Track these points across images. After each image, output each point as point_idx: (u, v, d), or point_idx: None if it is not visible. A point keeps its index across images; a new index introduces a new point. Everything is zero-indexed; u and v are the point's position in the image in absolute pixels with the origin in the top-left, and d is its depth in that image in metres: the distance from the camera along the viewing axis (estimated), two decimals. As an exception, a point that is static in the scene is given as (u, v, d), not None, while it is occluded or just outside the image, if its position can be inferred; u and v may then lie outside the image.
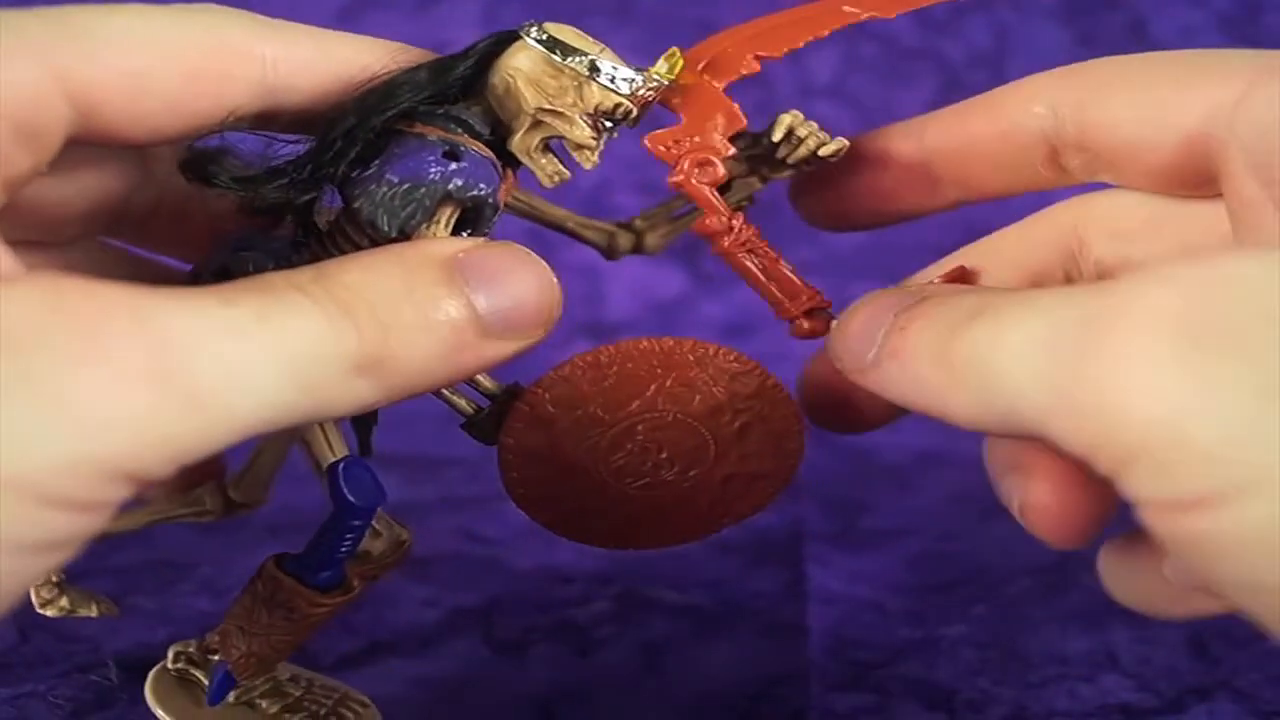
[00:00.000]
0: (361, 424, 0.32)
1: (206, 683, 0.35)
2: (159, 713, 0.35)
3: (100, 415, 0.21)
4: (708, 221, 0.29)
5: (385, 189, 0.27)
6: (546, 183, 0.28)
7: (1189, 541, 0.20)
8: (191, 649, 0.36)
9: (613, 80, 0.27)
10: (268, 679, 0.35)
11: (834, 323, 0.28)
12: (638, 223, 0.33)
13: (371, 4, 0.73)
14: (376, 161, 0.27)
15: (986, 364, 0.23)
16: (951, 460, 0.61)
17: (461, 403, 0.30)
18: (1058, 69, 0.30)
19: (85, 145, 0.27)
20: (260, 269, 0.28)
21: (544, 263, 0.26)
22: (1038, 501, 0.29)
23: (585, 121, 0.28)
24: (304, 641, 0.34)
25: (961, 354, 0.23)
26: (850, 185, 0.32)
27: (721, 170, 0.29)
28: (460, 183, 0.27)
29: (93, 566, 0.34)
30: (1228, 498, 0.19)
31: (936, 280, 0.31)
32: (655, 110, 0.29)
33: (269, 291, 0.23)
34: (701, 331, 0.29)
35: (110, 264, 0.32)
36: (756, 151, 0.30)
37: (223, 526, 0.35)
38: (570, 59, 0.27)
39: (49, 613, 0.35)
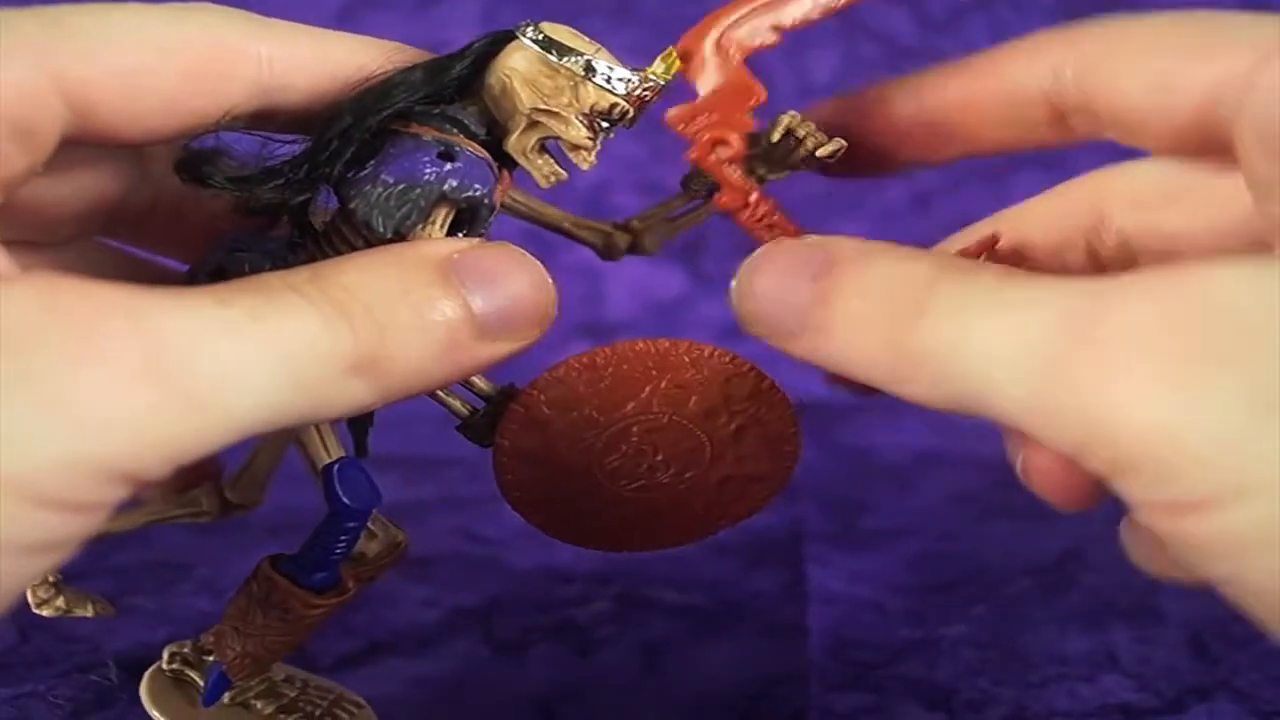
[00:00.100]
0: (358, 425, 0.32)
1: (201, 683, 0.35)
2: (154, 713, 0.35)
3: (96, 415, 0.21)
4: (723, 198, 0.29)
5: (380, 189, 0.27)
6: (543, 183, 0.28)
7: (1185, 541, 0.21)
8: (187, 650, 0.36)
9: (609, 80, 0.27)
10: (263, 680, 0.35)
11: (733, 285, 0.27)
12: (635, 223, 0.33)
13: (370, 4, 0.73)
14: (372, 162, 0.27)
15: (952, 357, 0.23)
16: (951, 460, 0.61)
17: (457, 404, 0.29)
18: (1060, 29, 0.29)
19: (81, 145, 0.27)
20: (256, 269, 0.28)
21: (539, 263, 0.26)
22: (1040, 462, 0.29)
23: (581, 122, 0.28)
24: (299, 643, 0.34)
25: (920, 343, 0.23)
26: (851, 137, 0.31)
27: (738, 145, 0.28)
28: (455, 183, 0.27)
29: (92, 566, 0.34)
30: (1220, 501, 0.20)
31: (968, 249, 0.30)
32: (677, 89, 0.29)
33: (264, 292, 0.23)
34: (700, 332, 0.29)
35: (106, 265, 0.32)
36: (755, 151, 0.30)
37: (221, 527, 0.35)
38: (566, 59, 0.27)
39: (45, 612, 0.35)
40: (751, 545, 0.51)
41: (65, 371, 0.21)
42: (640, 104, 0.28)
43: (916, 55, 0.68)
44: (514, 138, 0.28)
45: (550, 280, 0.26)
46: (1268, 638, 0.22)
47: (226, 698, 0.35)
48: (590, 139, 0.28)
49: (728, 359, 0.29)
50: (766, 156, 0.30)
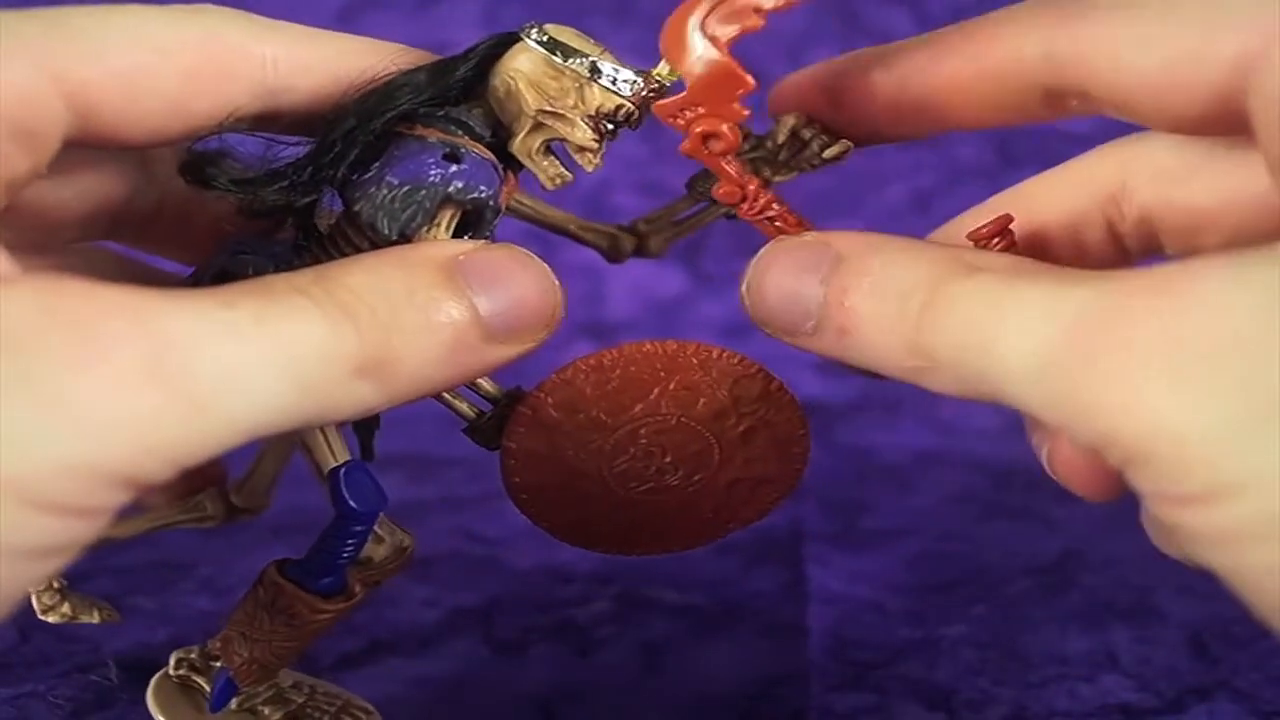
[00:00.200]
0: (363, 428, 0.32)
1: (208, 689, 0.35)
2: (160, 720, 0.35)
3: (98, 418, 0.21)
4: (721, 190, 0.29)
5: (385, 191, 0.27)
6: (548, 185, 0.28)
7: (1188, 531, 0.22)
8: (194, 655, 0.36)
9: (614, 82, 0.27)
10: (270, 686, 0.35)
11: (744, 286, 0.27)
12: (640, 225, 0.33)
13: (371, 4, 0.73)
14: (376, 164, 0.27)
15: (971, 356, 0.23)
16: (951, 460, 0.61)
17: (463, 407, 0.29)
18: (1047, 2, 0.27)
19: (84, 147, 0.26)
20: (260, 272, 0.28)
21: (545, 265, 0.26)
22: (1066, 454, 0.29)
23: (587, 123, 0.27)
24: (306, 648, 0.33)
25: (938, 342, 0.24)
26: (833, 111, 0.30)
27: (733, 137, 0.28)
28: (461, 185, 0.27)
29: (93, 567, 0.34)
30: (1219, 496, 0.21)
31: (979, 231, 0.30)
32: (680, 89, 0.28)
33: (268, 294, 0.23)
34: (701, 331, 0.29)
35: (109, 270, 0.32)
36: (760, 154, 0.30)
37: (224, 528, 0.35)
38: (571, 60, 0.27)
39: (50, 619, 0.34)
40: (751, 545, 0.51)
41: (66, 373, 0.20)
42: (645, 105, 0.28)
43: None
44: (519, 140, 0.28)
45: (557, 282, 0.26)
46: (1268, 638, 0.22)
47: (234, 704, 0.34)
48: (595, 141, 0.28)
49: (736, 360, 0.29)
50: (772, 159, 0.30)
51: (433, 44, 0.29)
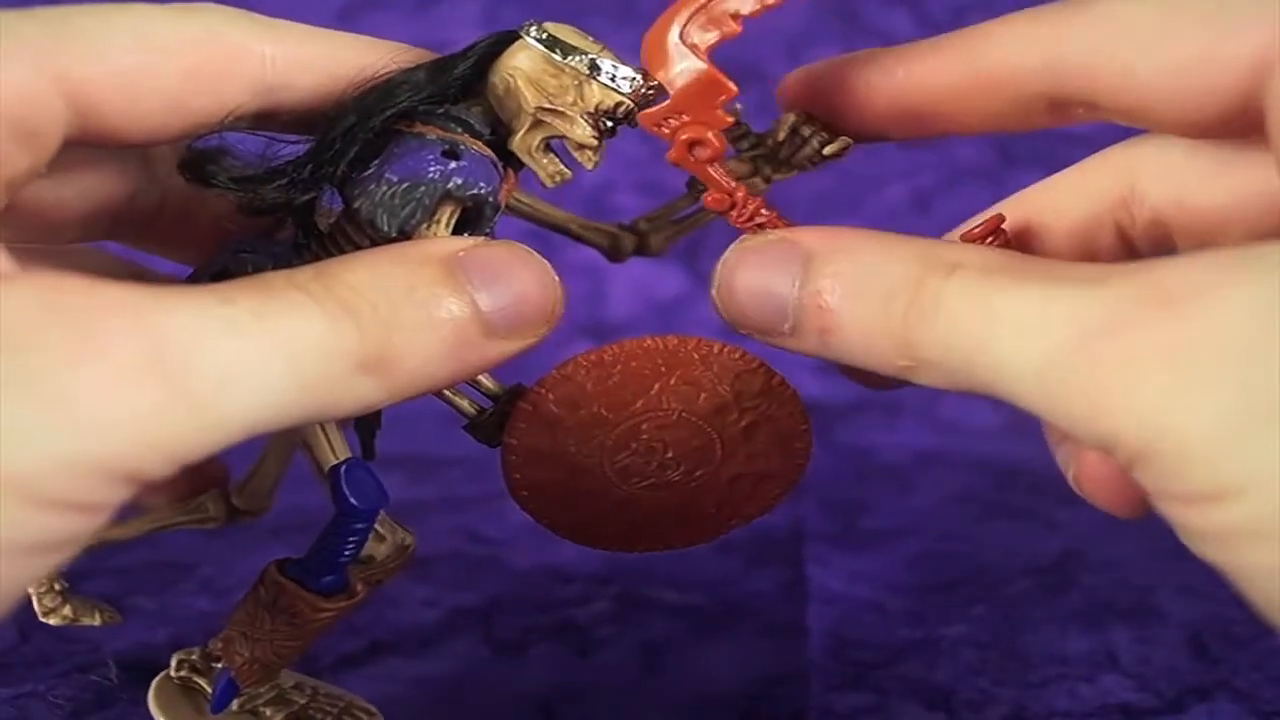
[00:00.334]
0: (364, 427, 0.32)
1: (210, 691, 0.35)
2: (161, 722, 0.35)
3: (97, 414, 0.21)
4: (709, 198, 0.28)
5: (385, 188, 0.27)
6: (548, 182, 0.28)
7: (1194, 529, 0.22)
8: (195, 656, 0.36)
9: (613, 79, 0.27)
10: (272, 687, 0.35)
11: (714, 289, 0.27)
12: (641, 224, 0.33)
13: (371, 4, 0.73)
14: (376, 161, 0.27)
15: (962, 357, 0.24)
16: (951, 460, 0.61)
17: (464, 404, 0.29)
18: (1047, 9, 0.27)
19: (85, 146, 0.26)
20: (260, 270, 0.28)
21: (545, 261, 0.26)
22: (1092, 470, 0.29)
23: (586, 121, 0.27)
24: (308, 648, 0.33)
25: (929, 341, 0.24)
26: (834, 112, 0.30)
27: (717, 143, 0.28)
28: (460, 181, 0.27)
29: (93, 567, 0.34)
30: (1222, 495, 0.21)
31: (971, 232, 0.30)
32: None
33: (268, 290, 0.23)
34: (702, 331, 0.29)
35: (109, 271, 0.31)
36: (760, 152, 0.30)
37: (225, 529, 0.35)
38: (571, 58, 0.27)
39: (52, 621, 0.34)
40: (751, 545, 0.51)
41: (66, 370, 0.20)
42: (645, 103, 0.28)
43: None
44: (519, 137, 0.28)
45: (556, 278, 0.26)
46: (1268, 638, 0.22)
47: (235, 705, 0.34)
48: (595, 138, 0.28)
49: (737, 355, 0.29)
50: (772, 157, 0.30)
51: (432, 43, 0.29)
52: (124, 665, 0.40)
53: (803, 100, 0.30)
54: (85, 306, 0.21)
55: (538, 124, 0.28)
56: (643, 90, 0.27)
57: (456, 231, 0.27)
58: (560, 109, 0.27)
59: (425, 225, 0.27)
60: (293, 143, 0.28)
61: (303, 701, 0.35)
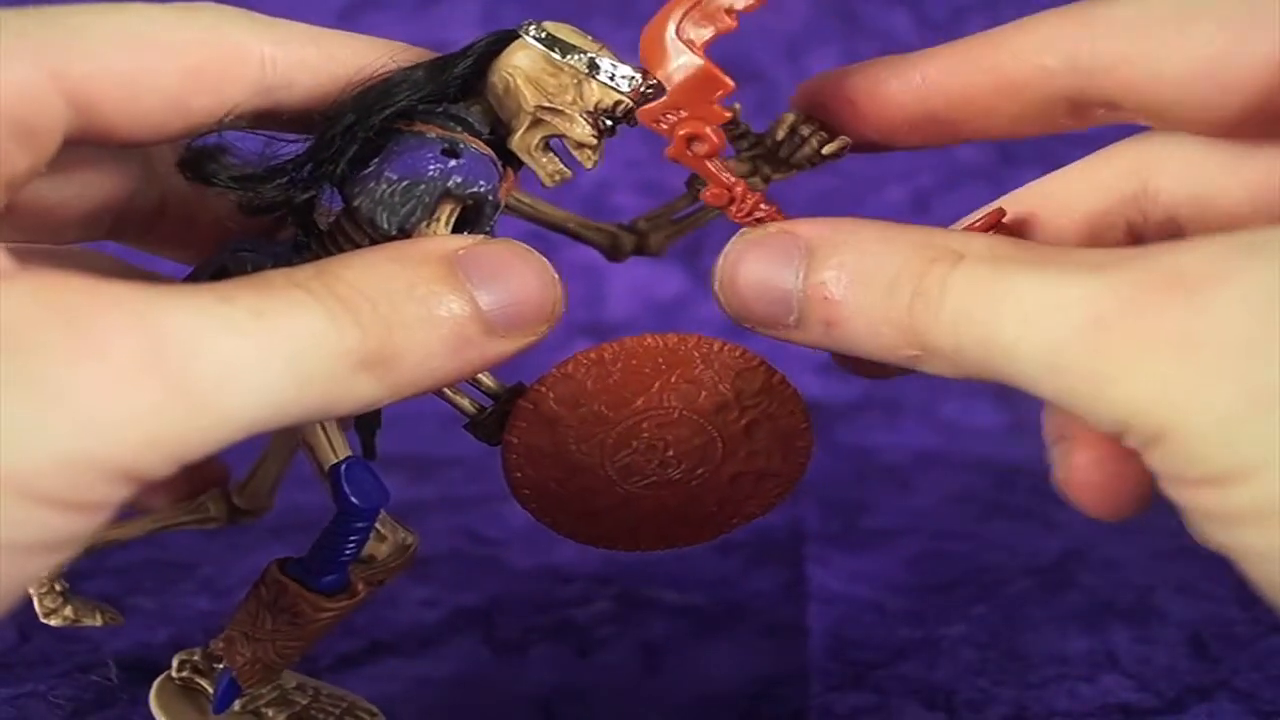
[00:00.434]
0: (365, 427, 0.32)
1: (212, 691, 0.35)
2: (163, 723, 0.35)
3: (96, 413, 0.20)
4: (708, 193, 0.29)
5: (385, 186, 0.27)
6: (547, 181, 0.28)
7: (1202, 512, 0.22)
8: (196, 657, 0.36)
9: (612, 78, 0.27)
10: (274, 687, 0.35)
11: (716, 284, 0.28)
12: (641, 224, 0.33)
13: (371, 4, 0.73)
14: (375, 160, 0.27)
15: (978, 345, 0.24)
16: (951, 460, 0.61)
17: (464, 403, 0.29)
18: (1068, 10, 0.27)
19: (85, 145, 0.26)
20: (259, 269, 0.28)
21: (545, 259, 0.26)
22: (1078, 472, 0.30)
23: (585, 120, 0.28)
24: (309, 648, 0.33)
25: (940, 333, 0.24)
26: (850, 120, 0.30)
27: (716, 139, 0.28)
28: (459, 179, 0.27)
29: (93, 567, 0.34)
30: (1231, 478, 0.21)
31: (972, 226, 0.30)
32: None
33: (268, 288, 0.23)
34: (702, 331, 0.29)
35: (109, 273, 0.31)
36: (759, 151, 0.30)
37: (226, 528, 0.35)
38: (570, 57, 0.27)
39: (53, 622, 0.34)
40: (751, 545, 0.51)
41: (65, 368, 0.20)
42: (644, 101, 0.28)
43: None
44: (518, 136, 0.28)
45: (556, 276, 0.26)
46: (1268, 638, 0.23)
47: (237, 705, 0.34)
48: (594, 137, 0.28)
49: (738, 353, 0.29)
50: (771, 156, 0.30)
51: (432, 44, 0.29)
52: (124, 665, 0.40)
53: (815, 109, 0.30)
54: (84, 305, 0.21)
55: (537, 123, 0.28)
56: (642, 89, 0.28)
57: (456, 230, 0.27)
58: (559, 108, 0.27)
59: (425, 223, 0.27)
60: (292, 142, 0.28)
61: (305, 702, 0.35)
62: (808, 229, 0.27)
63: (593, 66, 0.27)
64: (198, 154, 0.27)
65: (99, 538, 0.33)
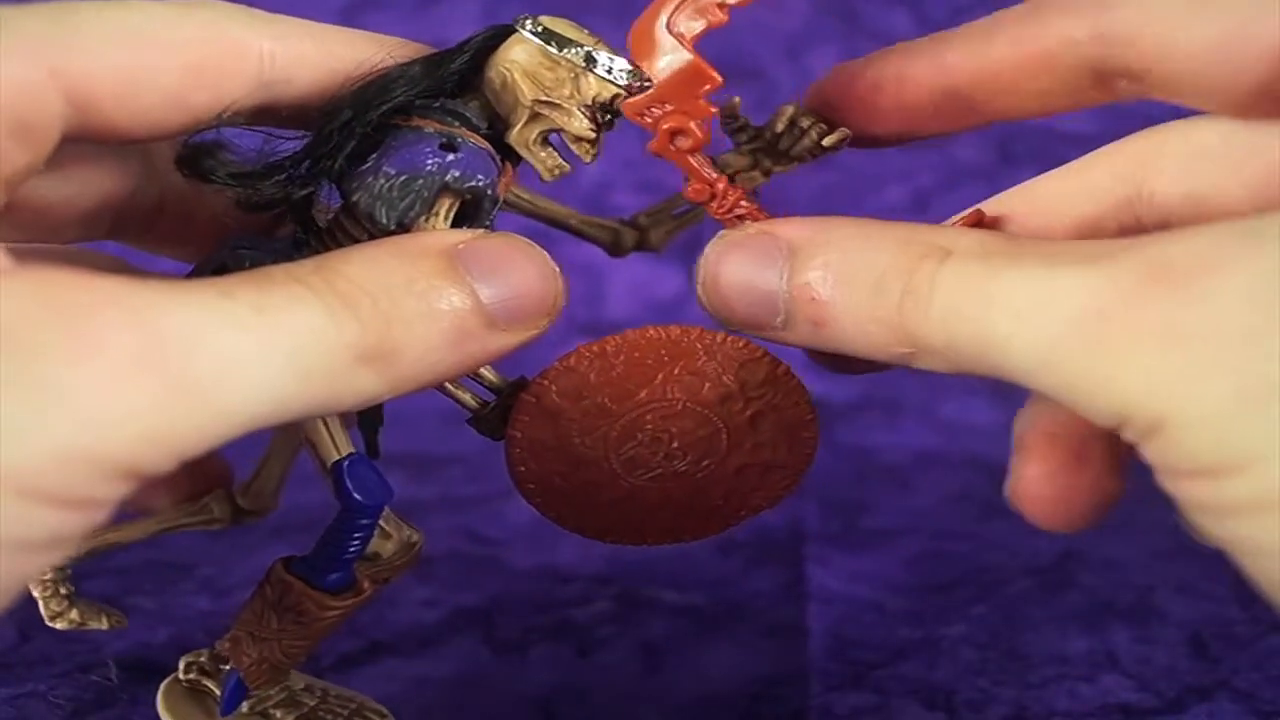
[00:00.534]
0: (368, 424, 0.32)
1: (219, 693, 0.35)
2: (169, 725, 0.35)
3: (95, 409, 0.20)
4: (690, 189, 0.28)
5: (383, 181, 0.27)
6: (546, 176, 0.28)
7: (1197, 504, 0.22)
8: (203, 659, 0.36)
9: (609, 71, 0.27)
10: (282, 688, 0.35)
11: (699, 285, 0.27)
12: (641, 219, 0.33)
13: (371, 5, 0.73)
14: (373, 155, 0.27)
15: (971, 341, 0.24)
16: (951, 460, 0.61)
17: (467, 398, 0.29)
18: None
19: (84, 143, 0.26)
20: (258, 266, 0.27)
21: (545, 252, 0.26)
22: (1028, 484, 0.30)
23: (583, 113, 0.28)
24: (315, 647, 0.33)
25: (931, 330, 0.24)
26: (870, 106, 0.30)
27: (699, 134, 0.28)
28: (458, 173, 0.27)
29: (94, 566, 0.34)
30: (1225, 470, 0.21)
31: (955, 225, 0.29)
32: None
33: (267, 283, 0.23)
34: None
35: (109, 272, 0.31)
36: (758, 145, 0.30)
37: (228, 528, 0.35)
38: (566, 50, 0.27)
39: (59, 625, 0.34)
40: (751, 545, 0.51)
41: (62, 365, 0.20)
42: (639, 95, 0.28)
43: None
44: (516, 130, 0.28)
45: (557, 269, 0.26)
46: (1268, 638, 0.22)
47: (245, 707, 0.34)
48: (593, 130, 0.28)
49: (741, 344, 0.29)
50: (771, 149, 0.30)
51: (433, 43, 0.29)
52: (124, 665, 0.40)
53: (833, 103, 0.30)
54: (82, 302, 0.21)
55: (535, 117, 0.28)
56: (639, 83, 0.27)
57: (455, 225, 0.27)
58: (557, 102, 0.27)
59: (424, 218, 0.27)
60: (290, 138, 0.28)
61: (313, 703, 0.35)
62: (787, 229, 0.26)
63: (589, 60, 0.27)
64: (195, 150, 0.27)
65: (102, 539, 0.33)
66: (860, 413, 0.67)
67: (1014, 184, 0.32)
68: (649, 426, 0.29)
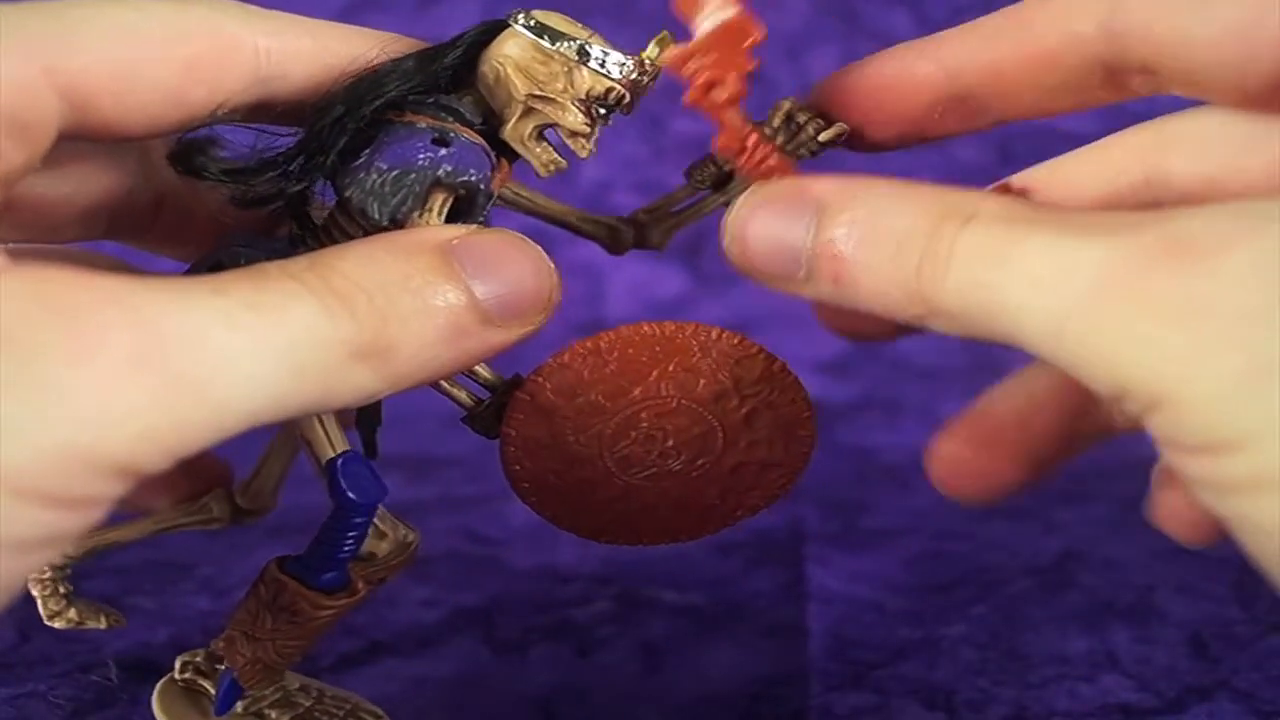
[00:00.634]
0: (365, 424, 0.32)
1: (214, 693, 0.35)
2: (165, 725, 0.35)
3: (89, 407, 0.20)
4: (720, 142, 0.28)
5: (375, 176, 0.27)
6: (542, 172, 0.28)
7: (1199, 480, 0.22)
8: (199, 659, 0.36)
9: (603, 65, 0.27)
10: (277, 689, 0.34)
11: (727, 238, 0.27)
12: (640, 216, 0.33)
13: (371, 5, 0.73)
14: (366, 151, 0.27)
15: (984, 306, 0.24)
16: (951, 460, 0.61)
17: (462, 395, 0.29)
18: None
19: (80, 140, 0.26)
20: (253, 263, 0.27)
21: (540, 248, 0.26)
22: (942, 451, 0.31)
23: (578, 107, 0.27)
24: (310, 647, 0.33)
25: (944, 292, 0.24)
26: (873, 110, 0.30)
27: (735, 85, 0.27)
28: (450, 168, 0.27)
29: (93, 566, 0.34)
30: (1228, 446, 0.21)
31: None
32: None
33: (262, 280, 0.23)
34: (703, 330, 0.29)
35: (107, 271, 0.31)
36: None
37: (227, 528, 0.35)
38: (559, 44, 0.27)
39: (57, 624, 0.34)
40: (751, 545, 0.51)
41: (57, 363, 0.20)
42: (636, 89, 0.28)
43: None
44: (510, 125, 0.28)
45: (552, 265, 0.26)
46: (1267, 638, 0.22)
47: (240, 707, 0.34)
48: (587, 125, 0.28)
49: (736, 341, 0.28)
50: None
51: (431, 42, 0.29)
52: (124, 665, 0.40)
53: (836, 104, 0.30)
54: (77, 300, 0.21)
55: (529, 112, 0.28)
56: (633, 76, 0.27)
57: (449, 221, 0.27)
58: (551, 96, 0.27)
59: (417, 213, 0.27)
60: (284, 135, 0.28)
61: (308, 704, 0.35)
62: (820, 185, 0.26)
63: (583, 53, 0.27)
64: (187, 146, 0.27)
65: (102, 539, 0.33)
66: (860, 413, 0.67)
67: (1014, 183, 0.32)
68: (643, 424, 0.29)
